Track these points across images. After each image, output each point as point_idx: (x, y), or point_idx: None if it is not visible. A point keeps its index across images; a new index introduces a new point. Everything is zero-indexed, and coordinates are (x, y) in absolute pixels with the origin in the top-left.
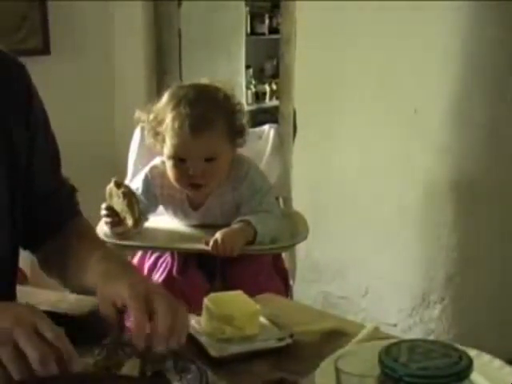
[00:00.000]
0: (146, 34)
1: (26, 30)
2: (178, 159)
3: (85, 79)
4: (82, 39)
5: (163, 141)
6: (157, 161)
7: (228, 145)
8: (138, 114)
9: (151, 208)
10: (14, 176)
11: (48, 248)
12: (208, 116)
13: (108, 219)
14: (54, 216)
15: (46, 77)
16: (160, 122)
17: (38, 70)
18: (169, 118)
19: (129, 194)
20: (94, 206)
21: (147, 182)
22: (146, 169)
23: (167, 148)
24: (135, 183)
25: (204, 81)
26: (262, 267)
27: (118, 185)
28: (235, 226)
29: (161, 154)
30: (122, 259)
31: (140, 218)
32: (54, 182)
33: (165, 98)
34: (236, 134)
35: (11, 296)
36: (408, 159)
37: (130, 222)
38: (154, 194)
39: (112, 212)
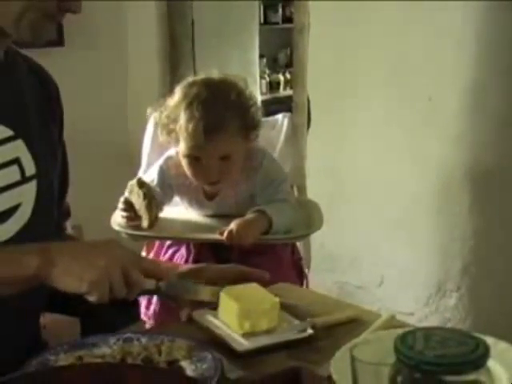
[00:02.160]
0: (159, 24)
1: None
2: (194, 158)
3: (98, 70)
4: (96, 30)
5: (177, 139)
6: (171, 151)
7: (242, 141)
8: (150, 110)
9: (166, 199)
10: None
11: None
12: (221, 118)
13: (124, 213)
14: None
15: (60, 68)
16: (174, 120)
17: (52, 62)
18: (182, 120)
19: (149, 196)
20: (107, 194)
21: (162, 172)
22: (161, 160)
23: (182, 148)
24: (150, 174)
25: (215, 74)
26: (281, 260)
27: (141, 184)
28: (250, 215)
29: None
30: None
31: (156, 220)
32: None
33: (177, 95)
34: (250, 129)
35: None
36: (423, 147)
37: (145, 222)
38: (170, 185)
39: (129, 207)
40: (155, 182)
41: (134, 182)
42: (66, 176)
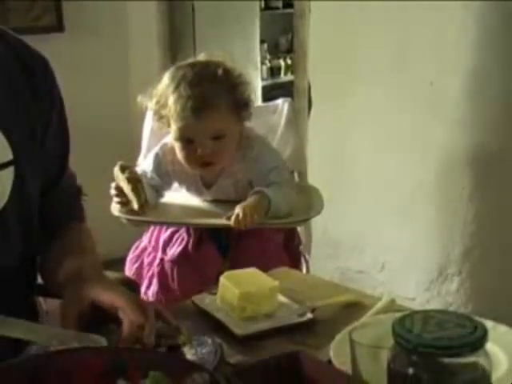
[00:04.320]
0: (159, 11)
1: (39, 7)
2: (186, 140)
3: (99, 56)
4: (96, 16)
5: (168, 124)
6: (168, 138)
7: (234, 120)
8: (140, 99)
9: (165, 185)
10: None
11: (45, 251)
12: (209, 95)
13: (117, 199)
14: (54, 213)
15: (60, 54)
16: (163, 106)
17: (52, 48)
18: (171, 101)
19: (133, 180)
20: (107, 181)
21: (158, 159)
22: (157, 147)
23: (173, 130)
24: (147, 161)
25: (202, 57)
26: (268, 244)
27: (123, 169)
28: (251, 198)
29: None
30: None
31: (146, 202)
32: (58, 175)
33: (164, 80)
34: (241, 107)
35: (29, 306)
36: (424, 132)
37: (135, 206)
38: (167, 171)
39: (121, 192)
40: (151, 169)
41: (116, 168)
42: (67, 153)
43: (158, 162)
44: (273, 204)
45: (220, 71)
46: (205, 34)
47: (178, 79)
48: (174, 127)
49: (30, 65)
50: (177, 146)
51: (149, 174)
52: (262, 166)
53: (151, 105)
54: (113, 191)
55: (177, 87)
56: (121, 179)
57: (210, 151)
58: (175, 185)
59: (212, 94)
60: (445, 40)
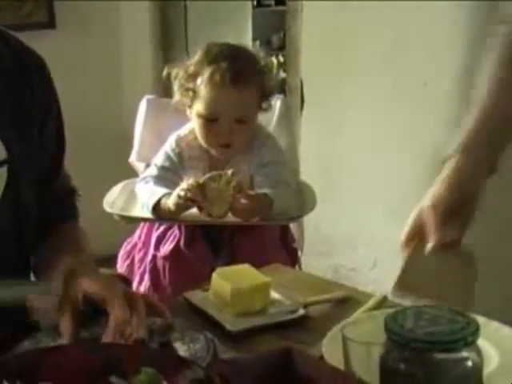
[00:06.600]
0: (151, 9)
1: (31, 4)
2: (210, 119)
3: (91, 53)
4: (88, 13)
5: (194, 97)
6: (180, 131)
7: (257, 106)
8: (167, 70)
9: (178, 181)
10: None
11: (39, 251)
12: (246, 72)
13: (189, 194)
14: (48, 213)
15: (52, 51)
16: (193, 77)
17: (44, 45)
18: (207, 73)
19: (238, 189)
20: (101, 178)
21: (180, 155)
22: (173, 143)
23: (200, 105)
24: (160, 158)
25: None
26: (268, 240)
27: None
28: (260, 196)
29: (184, 110)
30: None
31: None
32: (53, 176)
33: (198, 54)
34: (265, 95)
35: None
36: (418, 132)
37: (215, 211)
38: (183, 166)
39: (201, 189)
40: (167, 164)
41: (229, 173)
42: (62, 154)
43: (178, 157)
44: (273, 211)
45: (252, 55)
46: (197, 32)
47: (214, 53)
48: (203, 99)
49: (28, 64)
50: (198, 123)
51: (165, 170)
52: (263, 158)
53: (178, 76)
54: (190, 185)
55: (214, 60)
56: (225, 182)
57: (231, 132)
58: None
59: (248, 72)
60: (438, 40)
